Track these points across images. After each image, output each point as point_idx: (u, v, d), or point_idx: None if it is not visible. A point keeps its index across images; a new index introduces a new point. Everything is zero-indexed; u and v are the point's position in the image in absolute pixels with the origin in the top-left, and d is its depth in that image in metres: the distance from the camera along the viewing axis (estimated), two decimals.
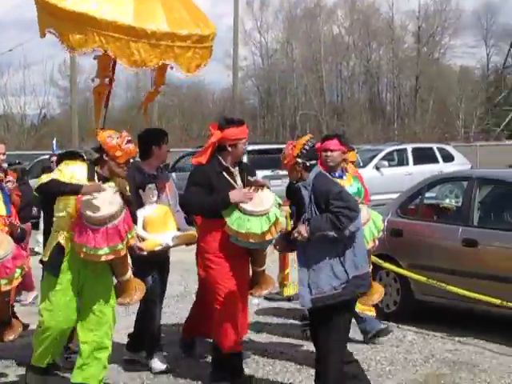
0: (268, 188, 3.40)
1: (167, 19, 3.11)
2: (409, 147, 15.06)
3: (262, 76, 40.20)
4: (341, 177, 3.75)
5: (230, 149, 3.32)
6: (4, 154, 5.11)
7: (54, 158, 5.39)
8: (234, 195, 3.17)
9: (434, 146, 15.49)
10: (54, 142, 12.13)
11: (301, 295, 2.82)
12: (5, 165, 5.13)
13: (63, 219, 2.90)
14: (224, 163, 3.34)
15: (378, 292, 3.82)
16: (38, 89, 39.89)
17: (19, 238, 3.35)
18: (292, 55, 40.94)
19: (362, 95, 43.00)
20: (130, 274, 3.07)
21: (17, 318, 3.81)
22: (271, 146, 14.85)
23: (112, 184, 2.91)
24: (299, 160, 2.76)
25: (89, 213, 2.75)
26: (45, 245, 3.33)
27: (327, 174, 3.02)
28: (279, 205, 3.38)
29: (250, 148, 11.59)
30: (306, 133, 35.79)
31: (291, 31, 38.74)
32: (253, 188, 3.29)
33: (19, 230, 3.33)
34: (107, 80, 3.56)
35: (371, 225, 3.66)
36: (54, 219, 2.99)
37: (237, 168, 3.44)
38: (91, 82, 3.77)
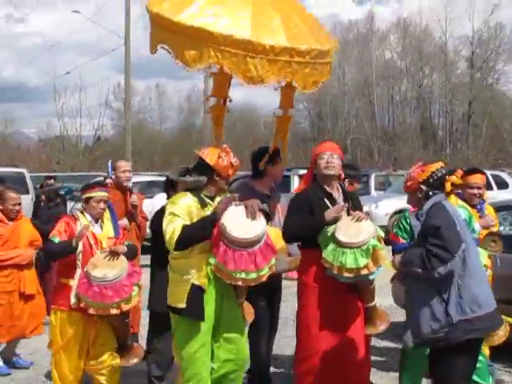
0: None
1: (286, 33, 2.94)
2: None
3: (313, 100, 40.26)
4: (482, 209, 3.60)
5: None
6: (129, 171, 4.91)
7: (109, 181, 5.06)
8: (328, 212, 3.00)
9: (488, 173, 14.89)
10: (110, 164, 12.33)
11: (404, 334, 2.58)
12: (129, 183, 5.01)
13: (191, 257, 2.82)
14: (327, 189, 3.17)
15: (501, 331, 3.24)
16: (93, 111, 41.59)
17: (130, 256, 3.42)
18: (344, 79, 40.97)
19: (413, 120, 42.27)
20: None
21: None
22: None
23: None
24: (423, 187, 2.57)
25: (235, 234, 2.72)
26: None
27: (447, 206, 2.61)
28: (383, 237, 3.13)
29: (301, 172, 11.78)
30: (357, 157, 35.84)
31: (343, 55, 38.78)
32: (352, 217, 3.05)
33: (127, 248, 3.37)
34: (222, 101, 3.37)
35: None
36: (174, 264, 2.91)
37: (341, 196, 3.24)
38: (206, 100, 3.79)
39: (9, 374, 4.30)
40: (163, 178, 5.75)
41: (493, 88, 41.11)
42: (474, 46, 40.37)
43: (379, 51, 41.87)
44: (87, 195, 3.43)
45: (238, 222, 2.75)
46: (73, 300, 3.15)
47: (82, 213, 3.43)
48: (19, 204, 4.53)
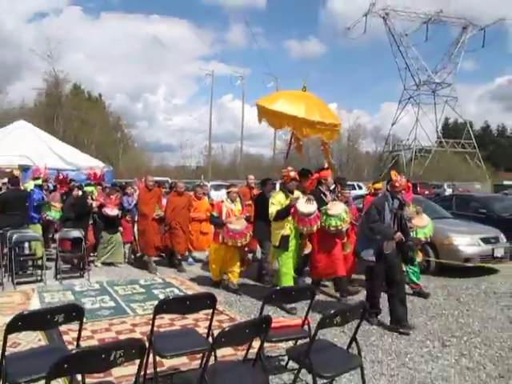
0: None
1: (320, 114, 6.61)
2: None
3: None
4: None
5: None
6: (253, 179, 9.28)
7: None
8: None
9: None
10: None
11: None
12: (252, 185, 9.16)
13: (282, 223, 5.90)
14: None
15: None
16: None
17: (247, 219, 6.90)
18: None
19: None
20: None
21: None
22: None
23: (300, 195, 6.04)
24: None
25: (303, 210, 5.76)
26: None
27: None
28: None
29: None
30: None
31: None
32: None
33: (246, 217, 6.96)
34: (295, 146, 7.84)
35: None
36: (274, 225, 6.01)
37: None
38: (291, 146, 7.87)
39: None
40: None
41: None
42: None
43: None
44: (228, 190, 7.07)
45: (303, 205, 5.79)
46: (221, 239, 6.57)
47: (226, 199, 6.93)
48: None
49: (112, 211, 8.63)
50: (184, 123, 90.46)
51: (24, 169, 13.98)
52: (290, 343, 3.96)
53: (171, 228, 8.44)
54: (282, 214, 5.83)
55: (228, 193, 7.00)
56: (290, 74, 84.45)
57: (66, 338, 4.52)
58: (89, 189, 9.15)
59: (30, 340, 4.44)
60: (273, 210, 5.85)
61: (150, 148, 62.30)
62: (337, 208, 6.16)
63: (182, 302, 3.19)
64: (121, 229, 8.98)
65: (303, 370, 3.24)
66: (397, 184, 5.23)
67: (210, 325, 3.33)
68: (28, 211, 8.10)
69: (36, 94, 48.43)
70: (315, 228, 5.89)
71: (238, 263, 6.81)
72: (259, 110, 6.83)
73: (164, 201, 8.98)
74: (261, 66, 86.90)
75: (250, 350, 3.51)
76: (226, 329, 2.43)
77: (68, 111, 46.80)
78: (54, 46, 45.89)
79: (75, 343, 4.00)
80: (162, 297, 6.40)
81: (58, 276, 7.36)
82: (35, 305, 5.89)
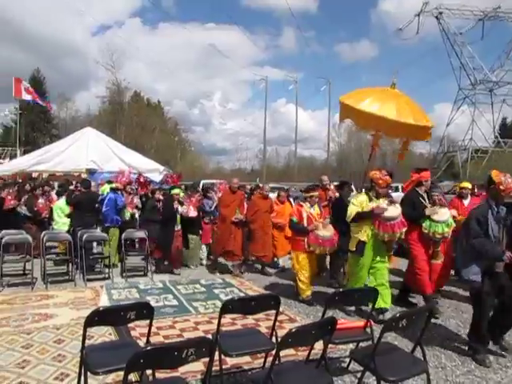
0: None
1: (413, 116, 5.95)
2: None
3: None
4: None
5: None
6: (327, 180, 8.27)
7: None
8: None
9: None
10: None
11: None
12: (328, 186, 8.23)
13: (360, 226, 5.47)
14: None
15: None
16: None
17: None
18: None
19: None
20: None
21: None
22: None
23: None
24: None
25: (385, 214, 5.27)
26: None
27: None
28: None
29: None
30: None
31: None
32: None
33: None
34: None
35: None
36: (354, 229, 5.57)
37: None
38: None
39: None
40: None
41: None
42: None
43: None
44: (309, 194, 6.39)
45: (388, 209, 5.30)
46: (307, 247, 6.09)
47: (304, 202, 6.42)
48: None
49: (191, 212, 8.54)
50: (238, 127, 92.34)
51: (91, 172, 14.76)
52: (350, 345, 3.94)
53: (251, 231, 8.24)
54: (361, 215, 5.42)
55: (309, 197, 6.39)
56: (342, 76, 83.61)
57: (133, 333, 4.74)
58: (175, 191, 8.75)
59: (102, 334, 4.70)
60: (352, 210, 5.48)
61: (206, 151, 63.83)
62: (443, 213, 5.70)
63: (248, 303, 3.26)
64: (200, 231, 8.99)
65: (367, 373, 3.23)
66: (502, 187, 4.25)
67: (274, 325, 3.37)
68: (107, 213, 8.61)
69: (100, 102, 50.95)
70: (398, 235, 5.39)
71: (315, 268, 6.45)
72: (343, 109, 6.33)
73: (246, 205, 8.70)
74: (313, 70, 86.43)
75: (312, 351, 3.53)
76: (293, 330, 2.46)
77: (129, 117, 48.73)
78: (117, 56, 48.05)
79: (143, 339, 4.24)
80: (222, 296, 6.55)
81: (124, 274, 7.70)
82: (104, 301, 6.22)
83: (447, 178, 50.13)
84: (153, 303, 6.06)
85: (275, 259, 8.83)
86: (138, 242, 9.05)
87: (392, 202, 5.46)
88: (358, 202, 5.50)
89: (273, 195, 9.90)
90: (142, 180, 11.49)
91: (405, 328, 2.95)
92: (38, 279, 7.28)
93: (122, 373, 3.20)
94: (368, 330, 3.78)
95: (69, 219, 8.86)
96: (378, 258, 5.49)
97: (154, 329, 4.72)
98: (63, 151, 15.26)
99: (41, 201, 9.43)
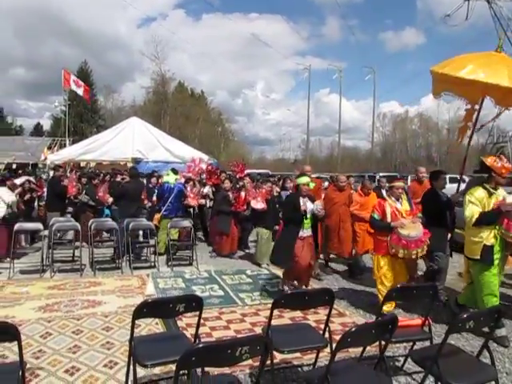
0: None
1: None
2: None
3: None
4: None
5: None
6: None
7: None
8: None
9: None
10: None
11: None
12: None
13: (482, 229, 4.45)
14: None
15: None
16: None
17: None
18: None
19: None
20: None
21: None
22: None
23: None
24: None
25: None
26: None
27: None
28: None
29: None
30: None
31: None
32: None
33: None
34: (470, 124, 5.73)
35: None
36: (472, 231, 4.54)
37: None
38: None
39: None
40: None
41: None
42: None
43: None
44: (391, 184, 5.43)
45: None
46: (390, 249, 5.00)
47: (388, 196, 5.42)
48: None
49: (257, 204, 8.03)
50: (281, 117, 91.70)
51: (136, 161, 15.01)
52: (404, 343, 3.73)
53: (327, 227, 7.34)
54: (489, 218, 4.40)
55: (391, 188, 5.42)
56: (387, 65, 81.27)
57: (179, 323, 4.70)
58: (303, 180, 8.55)
59: (148, 323, 4.70)
60: (474, 210, 4.43)
61: (248, 141, 63.90)
62: None
63: (301, 297, 3.11)
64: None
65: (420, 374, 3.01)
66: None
67: (328, 321, 3.21)
68: (174, 204, 8.70)
69: (145, 93, 51.88)
70: None
71: (403, 275, 5.18)
72: (437, 80, 5.31)
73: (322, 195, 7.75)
74: (357, 59, 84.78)
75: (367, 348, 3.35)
76: (353, 329, 2.30)
77: (173, 108, 49.39)
78: (161, 47, 48.64)
79: (189, 329, 4.19)
80: (269, 288, 6.44)
81: (170, 263, 7.72)
82: (150, 289, 6.24)
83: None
84: (198, 293, 6.05)
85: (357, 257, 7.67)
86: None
87: None
88: (477, 200, 4.47)
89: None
90: (210, 168, 10.74)
91: (472, 330, 2.71)
92: (86, 266, 7.42)
93: (170, 365, 3.17)
94: (426, 328, 3.55)
95: None
96: (503, 262, 4.61)
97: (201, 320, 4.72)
98: (109, 141, 15.61)
99: (103, 189, 9.57)
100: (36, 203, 10.36)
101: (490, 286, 4.42)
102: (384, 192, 8.13)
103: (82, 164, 15.57)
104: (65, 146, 24.45)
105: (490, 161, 4.60)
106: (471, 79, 4.71)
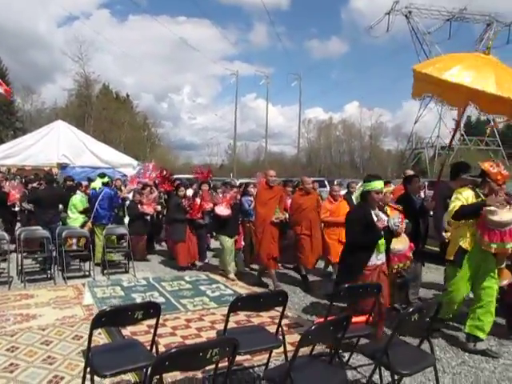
0: None
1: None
2: None
3: None
4: None
5: None
6: None
7: None
8: None
9: None
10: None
11: None
12: None
13: (462, 230, 4.36)
14: None
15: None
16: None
17: None
18: None
19: None
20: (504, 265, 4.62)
21: None
22: None
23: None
24: None
25: (495, 218, 4.10)
26: None
27: None
28: None
29: None
30: None
31: None
32: None
33: None
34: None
35: None
36: (456, 233, 4.48)
37: None
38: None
39: None
40: None
41: None
42: None
43: None
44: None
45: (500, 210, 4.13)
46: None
47: None
48: None
49: (223, 211, 7.52)
50: (208, 122, 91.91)
51: (62, 167, 14.33)
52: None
53: (296, 235, 6.95)
54: (468, 211, 4.26)
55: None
56: (312, 73, 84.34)
57: (124, 332, 4.59)
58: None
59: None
60: (456, 204, 4.27)
61: (175, 146, 63.00)
62: None
63: (256, 299, 3.18)
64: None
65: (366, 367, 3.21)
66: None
67: (280, 322, 3.31)
68: (101, 210, 8.36)
69: (67, 95, 49.54)
70: (509, 246, 4.16)
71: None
72: (419, 80, 4.78)
73: (289, 202, 7.47)
74: (284, 66, 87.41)
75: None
76: (313, 327, 2.41)
77: (98, 111, 47.66)
78: (85, 48, 46.77)
79: (135, 338, 4.11)
80: (209, 293, 6.46)
81: (105, 271, 7.47)
82: (88, 299, 6.00)
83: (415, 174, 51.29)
84: (138, 300, 5.95)
85: (325, 267, 7.71)
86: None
87: (508, 202, 4.31)
88: (464, 198, 4.31)
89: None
90: (164, 174, 10.06)
91: (417, 322, 2.94)
92: (13, 278, 6.97)
93: (124, 375, 3.10)
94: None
95: (81, 215, 8.66)
96: (485, 273, 4.34)
97: (144, 327, 4.65)
98: (33, 145, 14.81)
99: None
100: None
101: (457, 285, 4.38)
102: (353, 198, 8.14)
103: (2, 169, 14.56)
104: None
105: (486, 166, 4.39)
106: (455, 83, 4.27)
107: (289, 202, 7.45)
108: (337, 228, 6.81)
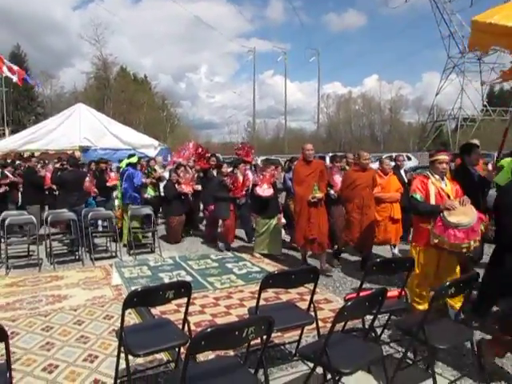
0: None
1: None
2: None
3: None
4: None
5: None
6: None
7: None
8: None
9: None
10: None
11: None
12: None
13: None
14: None
15: None
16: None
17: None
18: None
19: None
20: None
21: None
22: None
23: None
24: None
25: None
26: None
27: None
28: None
29: None
30: None
31: None
32: None
33: None
34: None
35: None
36: None
37: None
38: None
39: None
40: None
41: None
42: None
43: None
44: (434, 158, 4.16)
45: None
46: (432, 239, 3.89)
47: (430, 173, 4.16)
48: None
49: (265, 191, 7.17)
50: (226, 100, 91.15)
51: (84, 150, 14.44)
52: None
53: (346, 213, 6.55)
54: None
55: (432, 163, 4.19)
56: (330, 47, 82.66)
57: (153, 311, 4.63)
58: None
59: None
60: None
61: (194, 125, 63.02)
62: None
63: (287, 276, 3.13)
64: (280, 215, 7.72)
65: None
66: None
67: (312, 298, 3.26)
68: (125, 190, 8.35)
69: (86, 78, 49.81)
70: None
71: (453, 275, 4.04)
72: (482, 31, 4.16)
73: (337, 177, 7.17)
74: (301, 41, 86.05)
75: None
76: (349, 303, 2.35)
77: (116, 93, 47.87)
78: (101, 30, 46.72)
79: (164, 316, 4.13)
80: (236, 270, 6.46)
81: (132, 251, 7.54)
82: (117, 279, 6.07)
83: (436, 147, 50.37)
84: (166, 280, 5.99)
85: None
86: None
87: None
88: None
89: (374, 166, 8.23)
90: (199, 151, 9.54)
91: (453, 295, 2.86)
92: (43, 260, 7.11)
93: (157, 354, 3.12)
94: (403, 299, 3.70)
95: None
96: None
97: (173, 306, 4.67)
98: (55, 129, 14.92)
99: (87, 180, 9.08)
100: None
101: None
102: (403, 172, 7.74)
103: (26, 154, 14.77)
104: (4, 135, 23.05)
105: None
106: None
107: (336, 178, 7.15)
108: (389, 204, 6.66)
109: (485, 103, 51.75)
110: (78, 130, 14.68)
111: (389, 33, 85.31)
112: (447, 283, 2.77)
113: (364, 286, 3.46)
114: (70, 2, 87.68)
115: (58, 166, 10.56)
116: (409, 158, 26.78)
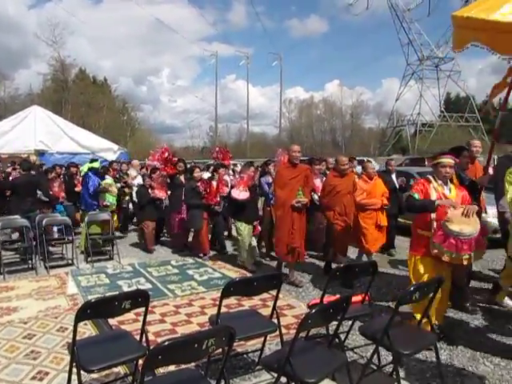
0: None
1: None
2: None
3: None
4: None
5: None
6: None
7: None
8: None
9: None
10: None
11: None
12: None
13: None
14: None
15: None
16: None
17: None
18: None
19: None
20: None
21: None
22: None
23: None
24: None
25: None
26: None
27: None
28: None
29: None
30: None
31: None
32: None
33: None
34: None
35: None
36: None
37: None
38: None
39: None
40: None
41: None
42: None
43: None
44: (435, 161, 3.88)
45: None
46: (431, 248, 3.62)
47: (432, 177, 3.89)
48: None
49: (240, 194, 6.77)
50: (188, 105, 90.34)
51: (40, 153, 13.89)
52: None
53: (328, 221, 6.29)
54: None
55: (435, 166, 3.91)
56: (292, 52, 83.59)
57: (111, 321, 4.41)
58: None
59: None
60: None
61: (155, 129, 62.06)
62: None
63: (249, 283, 3.03)
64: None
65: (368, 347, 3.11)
66: None
67: (275, 305, 3.17)
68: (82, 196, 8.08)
69: (43, 80, 48.17)
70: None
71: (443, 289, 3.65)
72: (460, 27, 3.89)
73: (318, 181, 6.98)
74: (264, 46, 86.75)
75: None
76: (313, 311, 2.27)
77: (75, 96, 46.50)
78: (59, 31, 45.37)
79: (122, 327, 3.95)
80: (197, 277, 6.31)
81: (89, 259, 7.25)
82: (72, 289, 5.80)
83: (396, 151, 51.87)
84: (125, 288, 5.77)
85: (358, 257, 6.66)
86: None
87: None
88: None
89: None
90: (166, 155, 8.91)
91: (418, 300, 2.84)
92: None
93: (113, 368, 2.94)
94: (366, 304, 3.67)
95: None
96: None
97: (132, 315, 4.47)
98: (8, 132, 14.29)
99: (56, 184, 8.68)
100: None
101: None
102: (393, 177, 7.56)
103: None
104: None
105: None
106: (509, 22, 3.41)
107: (317, 182, 6.94)
108: (373, 211, 6.36)
109: (442, 109, 53.71)
110: (33, 133, 14.14)
111: (350, 39, 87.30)
112: (411, 288, 2.75)
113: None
114: (25, 1, 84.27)
115: (9, 170, 10.13)
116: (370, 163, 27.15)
